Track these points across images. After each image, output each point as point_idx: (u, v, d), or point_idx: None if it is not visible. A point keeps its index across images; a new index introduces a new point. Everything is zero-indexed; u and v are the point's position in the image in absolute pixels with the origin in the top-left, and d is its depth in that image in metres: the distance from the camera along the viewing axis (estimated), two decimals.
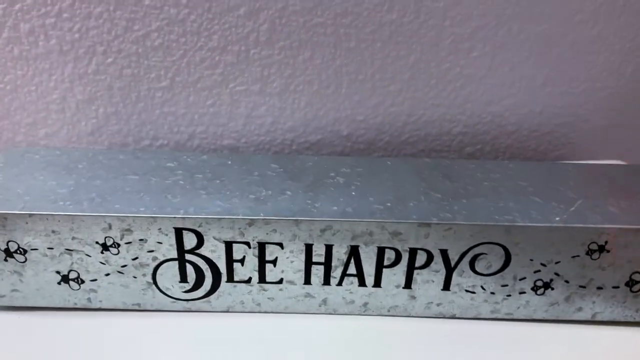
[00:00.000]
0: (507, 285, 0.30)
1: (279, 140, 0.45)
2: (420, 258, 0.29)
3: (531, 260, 0.29)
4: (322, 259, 0.29)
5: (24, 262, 0.29)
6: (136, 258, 0.28)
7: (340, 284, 0.30)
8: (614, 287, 0.30)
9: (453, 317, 0.32)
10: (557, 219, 0.28)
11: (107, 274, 0.29)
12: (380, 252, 0.29)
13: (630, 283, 0.30)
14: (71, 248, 0.28)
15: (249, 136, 0.44)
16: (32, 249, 0.28)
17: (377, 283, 0.30)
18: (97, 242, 0.28)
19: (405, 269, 0.29)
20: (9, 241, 0.28)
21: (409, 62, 0.44)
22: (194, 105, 0.42)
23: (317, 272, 0.29)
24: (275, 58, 0.41)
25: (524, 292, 0.31)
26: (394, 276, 0.30)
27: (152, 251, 0.28)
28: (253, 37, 0.40)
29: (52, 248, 0.28)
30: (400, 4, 0.41)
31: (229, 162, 0.32)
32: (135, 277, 0.29)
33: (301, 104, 0.44)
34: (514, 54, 0.45)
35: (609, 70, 0.49)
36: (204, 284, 0.30)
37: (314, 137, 0.45)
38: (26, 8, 0.36)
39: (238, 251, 0.29)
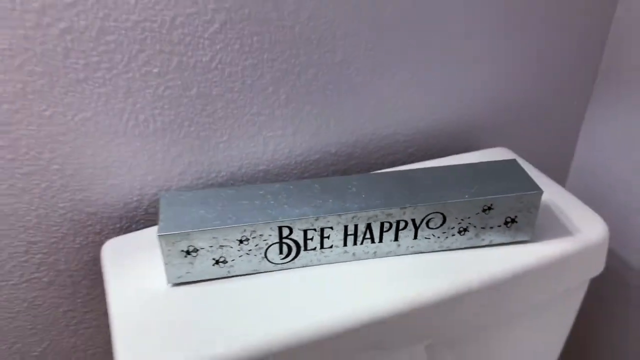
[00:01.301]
0: (445, 232, 0.56)
1: (293, 162, 0.70)
2: (402, 224, 0.55)
3: (456, 218, 0.55)
4: (353, 232, 0.54)
5: (195, 256, 0.52)
6: (257, 245, 0.53)
7: (362, 243, 0.55)
8: (498, 226, 0.57)
9: (420, 252, 0.57)
10: (466, 196, 0.55)
11: (240, 256, 0.53)
12: (382, 224, 0.54)
13: (505, 223, 0.58)
14: (222, 245, 0.52)
15: (275, 162, 0.69)
16: (201, 249, 0.52)
17: (380, 240, 0.55)
18: (237, 239, 0.52)
19: (394, 231, 0.55)
20: (189, 245, 0.52)
21: (370, 103, 0.70)
22: (242, 148, 0.66)
23: (350, 239, 0.54)
24: (290, 114, 0.66)
25: (454, 235, 0.56)
26: (389, 235, 0.55)
27: (265, 240, 0.53)
28: (277, 103, 0.64)
29: (212, 246, 0.52)
30: (363, 65, 0.67)
31: (291, 187, 0.56)
32: (255, 255, 0.53)
33: (306, 137, 0.69)
34: (432, 85, 0.72)
35: (496, 82, 0.77)
36: (291, 253, 0.55)
37: (314, 157, 0.71)
38: (142, 106, 0.59)
39: (310, 234, 0.54)
